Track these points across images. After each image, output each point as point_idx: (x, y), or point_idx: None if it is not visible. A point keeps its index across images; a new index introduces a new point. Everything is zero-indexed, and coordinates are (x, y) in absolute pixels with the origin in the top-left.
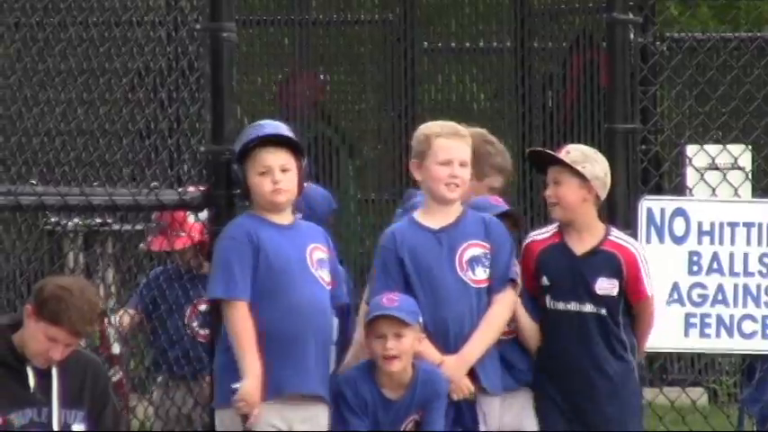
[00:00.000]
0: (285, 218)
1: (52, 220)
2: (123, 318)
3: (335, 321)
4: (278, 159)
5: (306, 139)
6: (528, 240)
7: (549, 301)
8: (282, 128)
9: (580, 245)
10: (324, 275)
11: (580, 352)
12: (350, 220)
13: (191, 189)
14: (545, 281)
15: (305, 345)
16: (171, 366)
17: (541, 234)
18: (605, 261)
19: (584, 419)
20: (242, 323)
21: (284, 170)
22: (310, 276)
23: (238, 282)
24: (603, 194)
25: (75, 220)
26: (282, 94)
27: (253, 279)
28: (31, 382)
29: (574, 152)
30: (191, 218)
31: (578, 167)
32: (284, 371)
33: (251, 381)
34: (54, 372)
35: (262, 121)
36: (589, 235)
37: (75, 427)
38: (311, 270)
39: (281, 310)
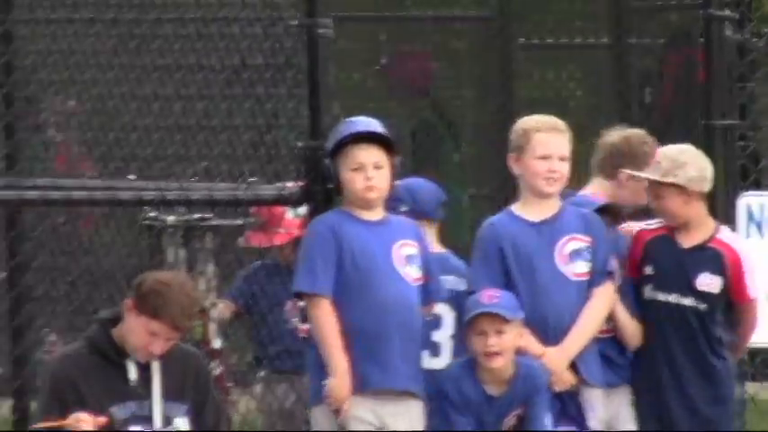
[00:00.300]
0: (374, 213)
1: (151, 215)
2: (224, 311)
3: (452, 315)
4: (371, 156)
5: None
6: (637, 229)
7: (650, 291)
8: (376, 124)
9: (687, 239)
10: (411, 272)
11: (678, 344)
12: (459, 213)
13: (289, 184)
14: (649, 270)
15: (388, 341)
16: (272, 361)
17: (651, 224)
18: (710, 258)
19: (680, 413)
20: (325, 319)
21: (377, 167)
22: (395, 273)
23: (320, 277)
24: (706, 188)
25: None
26: (390, 74)
27: (336, 275)
28: (132, 375)
29: (664, 161)
30: (289, 213)
31: (670, 180)
32: (368, 367)
33: (338, 377)
34: (155, 365)
35: (354, 118)
36: (697, 231)
37: (176, 420)
38: (396, 266)
39: (364, 306)
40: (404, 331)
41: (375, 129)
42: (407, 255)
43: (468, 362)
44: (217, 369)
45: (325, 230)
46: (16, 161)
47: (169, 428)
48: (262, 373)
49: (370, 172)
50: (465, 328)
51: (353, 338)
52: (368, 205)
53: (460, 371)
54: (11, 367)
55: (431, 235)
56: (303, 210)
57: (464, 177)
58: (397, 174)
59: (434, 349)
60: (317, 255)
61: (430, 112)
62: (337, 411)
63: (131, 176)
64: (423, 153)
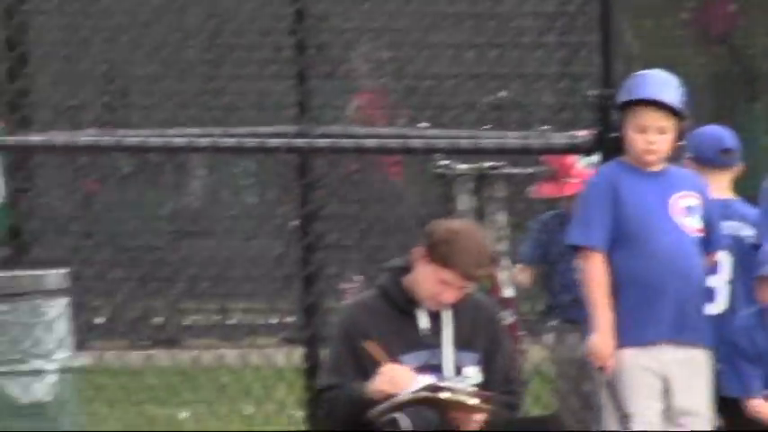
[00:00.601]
0: (654, 165)
1: (442, 163)
2: (521, 276)
3: (730, 260)
4: (656, 121)
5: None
6: None
7: None
8: (668, 87)
9: None
10: (691, 222)
11: None
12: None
13: (581, 133)
14: None
15: (664, 292)
16: (564, 311)
17: None
18: None
19: None
20: (595, 273)
21: (661, 132)
22: (671, 223)
23: (594, 230)
24: None
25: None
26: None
27: (613, 227)
28: (423, 324)
29: None
30: (579, 163)
31: None
32: (644, 319)
33: (600, 334)
34: (446, 314)
35: (649, 73)
36: None
37: (466, 369)
38: (674, 217)
39: (639, 257)
40: (681, 282)
41: (664, 96)
42: (687, 206)
43: (760, 312)
44: (509, 318)
45: (604, 182)
46: (308, 109)
47: (460, 378)
48: (553, 323)
49: (651, 136)
50: (756, 280)
51: (629, 290)
52: (645, 165)
53: (753, 321)
54: (302, 315)
55: (717, 182)
56: (595, 159)
57: (762, 125)
58: (691, 128)
59: (709, 294)
60: (594, 207)
61: (727, 60)
62: (601, 369)
63: (423, 124)
64: (720, 101)
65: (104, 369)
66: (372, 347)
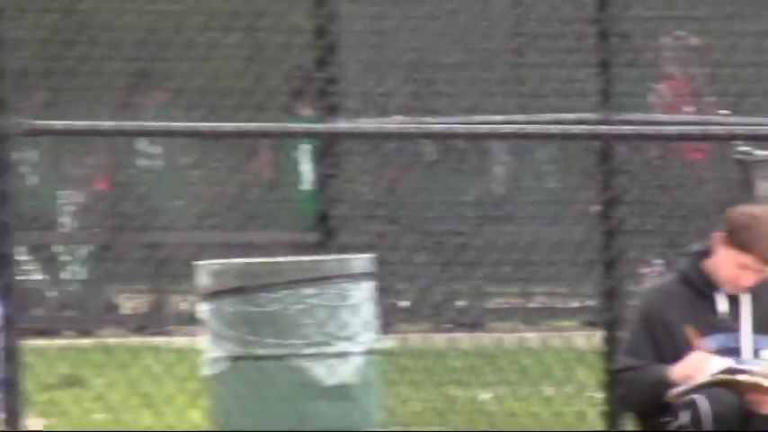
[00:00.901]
0: None
1: (742, 149)
2: None
3: None
4: None
5: None
6: None
7: None
8: None
9: None
10: None
11: None
12: None
13: None
14: None
15: None
16: None
17: None
18: None
19: None
20: None
21: None
22: None
23: None
24: None
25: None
26: None
27: None
28: (721, 308)
29: None
30: None
31: None
32: None
33: None
34: (744, 298)
35: None
36: None
37: (764, 353)
38: None
39: None
40: None
41: None
42: None
43: None
44: None
45: None
46: (610, 96)
47: (758, 361)
48: None
49: None
50: None
51: None
52: None
53: None
54: (603, 299)
55: None
56: None
57: None
58: None
59: None
60: None
61: None
62: None
63: (724, 112)
64: None
65: (408, 351)
66: (690, 331)
